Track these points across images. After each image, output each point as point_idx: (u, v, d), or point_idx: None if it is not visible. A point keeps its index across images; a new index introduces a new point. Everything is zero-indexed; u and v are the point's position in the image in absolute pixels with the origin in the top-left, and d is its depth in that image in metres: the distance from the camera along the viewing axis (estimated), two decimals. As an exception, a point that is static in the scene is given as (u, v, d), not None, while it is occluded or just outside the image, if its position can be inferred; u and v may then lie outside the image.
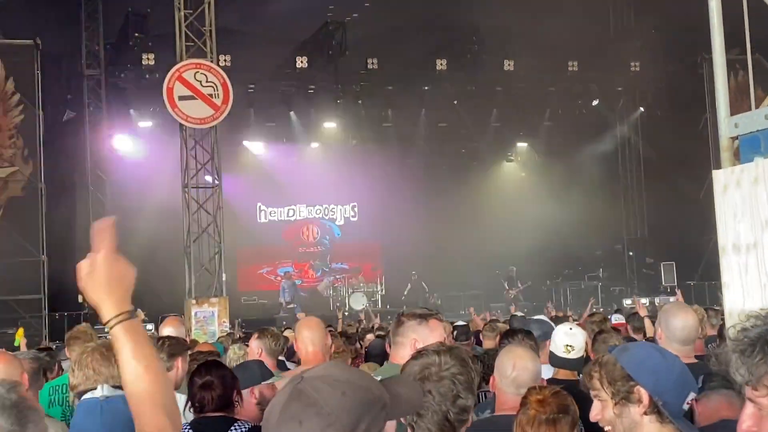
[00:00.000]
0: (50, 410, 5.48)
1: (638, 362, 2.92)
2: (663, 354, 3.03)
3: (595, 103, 28.46)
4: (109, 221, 2.48)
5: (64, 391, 5.60)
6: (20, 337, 10.44)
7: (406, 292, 27.19)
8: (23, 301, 20.24)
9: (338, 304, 26.61)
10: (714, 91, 4.92)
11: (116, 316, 2.33)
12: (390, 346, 4.39)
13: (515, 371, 3.79)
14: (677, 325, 4.64)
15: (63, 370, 7.52)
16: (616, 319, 8.85)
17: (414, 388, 2.08)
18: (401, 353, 3.80)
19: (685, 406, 2.84)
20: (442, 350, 2.86)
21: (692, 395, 2.87)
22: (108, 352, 3.75)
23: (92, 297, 2.37)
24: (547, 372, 5.52)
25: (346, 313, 24.30)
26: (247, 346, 8.85)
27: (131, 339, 2.27)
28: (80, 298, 23.58)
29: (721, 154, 4.82)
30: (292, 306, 24.39)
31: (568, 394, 3.59)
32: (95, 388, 3.71)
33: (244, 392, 4.46)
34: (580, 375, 5.66)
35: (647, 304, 20.93)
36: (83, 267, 2.40)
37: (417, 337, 3.92)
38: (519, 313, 13.55)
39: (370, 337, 10.67)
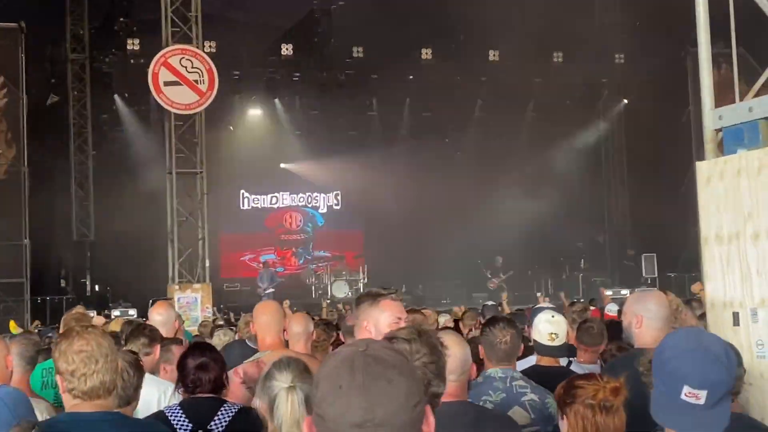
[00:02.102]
0: (43, 392, 5.45)
1: (658, 347, 2.88)
2: (680, 339, 2.89)
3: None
4: None
5: (52, 374, 5.60)
6: (14, 330, 10.41)
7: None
8: (5, 285, 20.16)
9: (320, 292, 26.67)
10: (698, 84, 5.00)
11: None
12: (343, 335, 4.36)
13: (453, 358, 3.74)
14: (651, 312, 4.67)
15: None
16: (609, 310, 8.95)
17: None
18: (359, 338, 3.70)
19: (684, 398, 2.69)
20: (413, 338, 2.88)
21: (687, 388, 2.69)
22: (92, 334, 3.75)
23: None
24: (532, 360, 5.61)
25: (328, 301, 24.38)
26: (232, 330, 8.93)
27: None
28: (62, 282, 23.60)
29: (705, 146, 4.90)
30: (269, 292, 24.42)
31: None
32: None
33: (229, 374, 4.50)
34: (564, 361, 5.77)
35: (628, 295, 21.14)
36: None
37: (368, 321, 3.88)
38: (490, 302, 13.70)
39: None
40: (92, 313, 18.97)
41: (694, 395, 2.69)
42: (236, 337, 7.57)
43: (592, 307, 9.21)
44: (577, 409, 3.38)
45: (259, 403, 3.30)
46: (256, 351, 4.46)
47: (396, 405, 1.73)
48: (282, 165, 29.42)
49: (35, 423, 2.93)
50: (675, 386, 2.72)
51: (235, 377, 4.49)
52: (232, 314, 17.46)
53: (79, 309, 6.97)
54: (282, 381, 3.21)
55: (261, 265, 28.52)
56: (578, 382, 3.49)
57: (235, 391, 4.48)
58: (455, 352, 3.64)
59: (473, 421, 3.68)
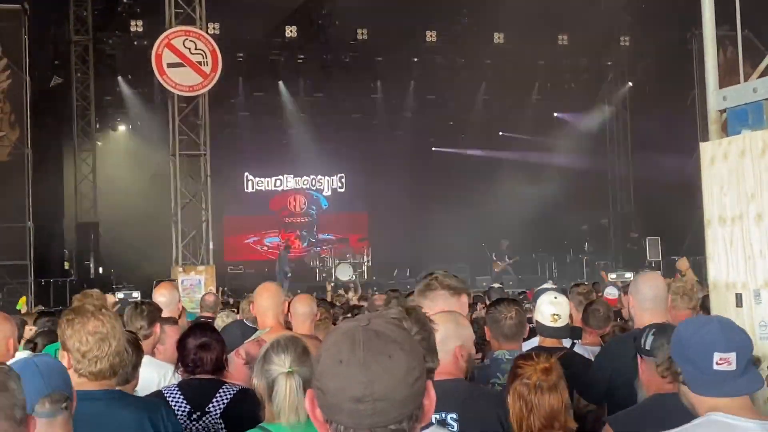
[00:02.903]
0: None
1: (673, 337, 2.97)
2: (691, 322, 3.02)
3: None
4: None
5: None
6: (23, 304, 10.44)
7: (395, 274, 27.21)
8: (9, 267, 20.16)
9: (325, 275, 26.70)
10: (703, 66, 4.97)
11: None
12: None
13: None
14: (646, 291, 4.73)
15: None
16: (609, 293, 8.91)
17: None
18: None
19: (717, 367, 2.77)
20: (403, 317, 2.89)
21: (718, 355, 2.78)
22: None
23: None
24: (535, 341, 5.60)
25: (333, 284, 24.40)
26: (234, 311, 8.93)
27: None
28: (66, 265, 23.62)
29: (709, 127, 4.87)
30: (290, 276, 24.68)
31: (557, 360, 3.66)
32: None
33: (230, 356, 4.48)
34: (567, 342, 5.78)
35: (632, 278, 21.12)
36: None
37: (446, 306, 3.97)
38: (496, 285, 13.72)
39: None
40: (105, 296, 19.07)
41: (725, 360, 2.77)
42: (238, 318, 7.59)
43: (611, 294, 9.19)
44: (515, 388, 3.56)
45: (256, 383, 3.29)
46: (255, 330, 4.44)
47: (396, 380, 1.74)
48: (285, 147, 29.34)
49: (68, 395, 2.94)
50: (706, 359, 2.80)
51: (237, 358, 4.47)
52: (231, 299, 17.44)
53: (93, 292, 6.95)
54: (280, 365, 3.19)
55: (266, 247, 28.65)
56: (519, 362, 3.67)
57: (239, 372, 4.47)
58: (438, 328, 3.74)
59: (466, 400, 3.71)
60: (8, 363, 2.77)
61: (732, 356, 2.76)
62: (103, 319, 3.48)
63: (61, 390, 2.92)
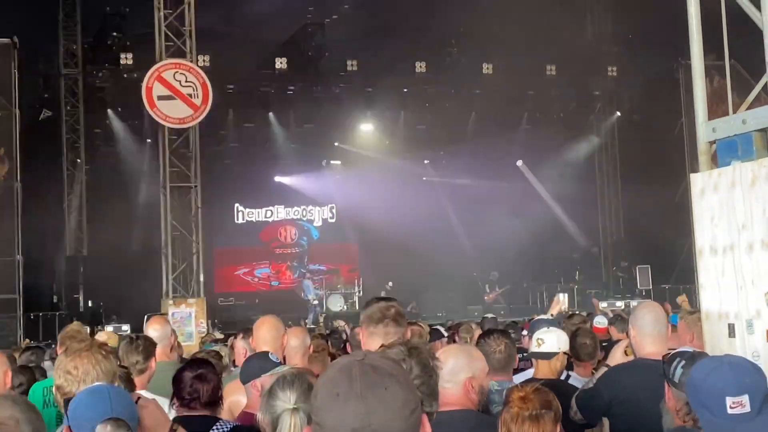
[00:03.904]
0: (44, 411, 5.35)
1: (688, 382, 2.97)
2: (702, 366, 2.98)
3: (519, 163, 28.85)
4: None
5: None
6: None
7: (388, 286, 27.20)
8: (-2, 300, 20.08)
9: (307, 307, 26.62)
10: (690, 96, 5.01)
11: None
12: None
13: (446, 366, 3.73)
14: (647, 320, 4.74)
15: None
16: (598, 322, 8.90)
17: None
18: None
19: (732, 411, 2.76)
20: (403, 358, 2.90)
21: (730, 399, 2.76)
22: (93, 353, 3.75)
23: None
24: (530, 373, 5.61)
25: (324, 315, 24.36)
26: (226, 345, 8.89)
27: None
28: (55, 299, 23.51)
29: (699, 158, 4.90)
30: (315, 303, 24.80)
31: (550, 391, 3.66)
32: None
33: (248, 385, 4.46)
34: (565, 374, 5.79)
35: (622, 307, 21.13)
36: None
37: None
38: (490, 315, 13.68)
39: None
40: (86, 329, 18.94)
41: (738, 403, 2.76)
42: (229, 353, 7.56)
43: (600, 323, 9.17)
44: (503, 417, 3.59)
45: (260, 418, 3.29)
46: (277, 364, 4.41)
47: (392, 412, 1.75)
48: (276, 178, 29.41)
49: (130, 427, 2.98)
50: (719, 404, 2.79)
51: (253, 390, 4.44)
52: (218, 332, 17.33)
53: (74, 326, 6.91)
54: (285, 401, 3.18)
55: (257, 279, 28.63)
56: (509, 390, 3.72)
57: (254, 402, 4.42)
58: (456, 361, 3.80)
59: (473, 427, 3.75)
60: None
61: (745, 398, 2.75)
62: (98, 358, 3.51)
63: (125, 419, 3.00)
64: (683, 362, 3.69)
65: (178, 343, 7.20)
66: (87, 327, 19.24)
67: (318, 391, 1.82)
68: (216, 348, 8.10)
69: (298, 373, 3.40)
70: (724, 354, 3.28)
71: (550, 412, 3.55)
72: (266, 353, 4.63)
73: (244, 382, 4.45)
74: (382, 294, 26.16)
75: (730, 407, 2.76)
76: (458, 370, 3.75)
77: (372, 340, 4.00)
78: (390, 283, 27.12)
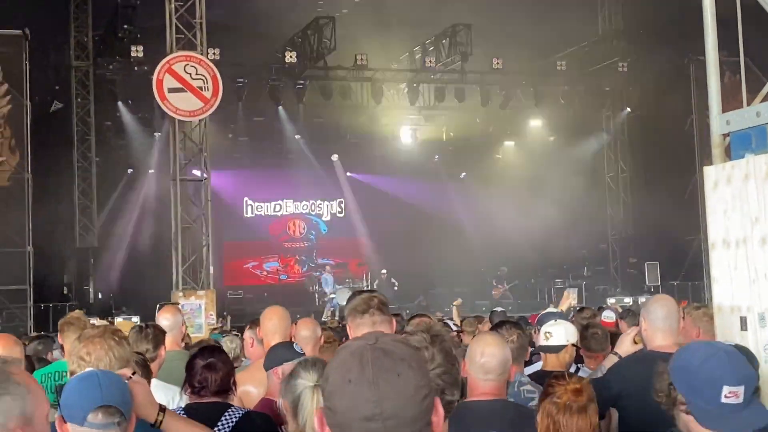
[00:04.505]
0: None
1: (675, 364, 2.91)
2: (696, 350, 2.93)
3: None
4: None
5: (57, 379, 5.55)
6: None
7: (375, 286, 27.27)
8: (8, 291, 20.15)
9: (324, 300, 26.66)
10: (701, 91, 5.01)
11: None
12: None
13: (483, 357, 3.80)
14: (659, 315, 4.72)
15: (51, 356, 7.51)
16: (607, 317, 8.89)
17: None
18: None
19: (725, 400, 2.74)
20: (425, 346, 2.88)
21: (727, 388, 2.74)
22: (105, 339, 3.77)
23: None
24: (539, 365, 5.61)
25: (332, 309, 24.39)
26: (237, 336, 8.91)
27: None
28: (65, 290, 23.60)
29: (712, 151, 4.89)
30: (333, 296, 24.89)
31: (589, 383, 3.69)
32: None
33: (270, 372, 4.49)
34: (573, 367, 5.79)
35: (631, 303, 21.10)
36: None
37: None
38: (499, 309, 13.66)
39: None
40: (94, 320, 18.99)
41: (734, 394, 2.75)
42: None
43: (608, 317, 9.16)
44: (545, 407, 3.57)
45: (281, 401, 3.32)
46: (300, 354, 4.44)
47: (405, 398, 1.75)
48: (285, 172, 29.37)
49: (123, 412, 2.95)
50: (713, 392, 2.77)
51: (274, 376, 4.46)
52: (229, 322, 17.40)
53: (74, 313, 6.92)
54: (307, 380, 3.23)
55: (266, 272, 28.67)
56: (551, 381, 3.67)
57: (274, 388, 4.44)
58: (494, 351, 3.80)
59: (513, 420, 3.78)
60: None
61: (740, 389, 2.74)
62: (111, 344, 3.53)
63: (117, 405, 2.94)
64: None
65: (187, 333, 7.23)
66: (97, 318, 19.37)
67: (329, 375, 1.82)
68: (225, 339, 8.11)
69: (319, 359, 3.46)
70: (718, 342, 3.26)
71: (594, 404, 3.56)
72: (291, 343, 4.67)
73: (268, 367, 4.49)
74: (376, 283, 26.47)
75: (725, 396, 2.74)
76: (507, 363, 3.81)
77: (359, 330, 3.99)
78: (384, 271, 27.19)
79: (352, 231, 30.36)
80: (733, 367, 2.78)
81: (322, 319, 17.36)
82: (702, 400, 2.80)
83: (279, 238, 30.55)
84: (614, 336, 7.40)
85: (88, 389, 2.94)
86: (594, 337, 6.39)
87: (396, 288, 27.06)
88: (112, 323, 14.54)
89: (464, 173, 30.27)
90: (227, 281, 27.65)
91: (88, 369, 3.30)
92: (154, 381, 4.48)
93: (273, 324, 5.29)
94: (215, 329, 10.22)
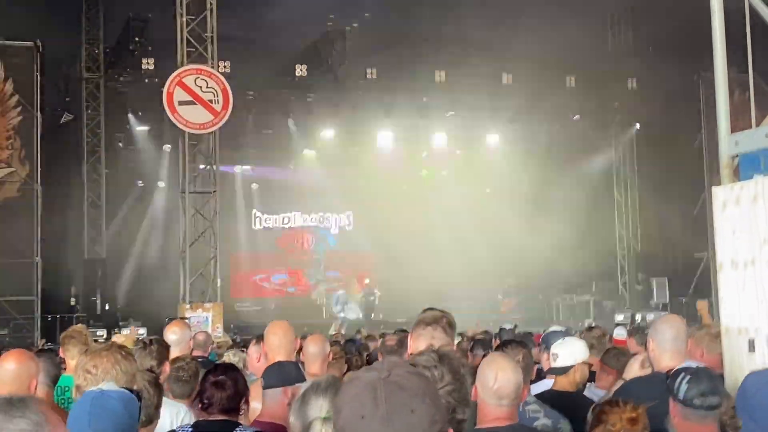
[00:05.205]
0: None
1: (739, 390, 2.99)
2: (757, 376, 3.01)
3: (576, 117, 28.59)
4: None
5: (60, 394, 5.55)
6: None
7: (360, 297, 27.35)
8: (16, 302, 20.20)
9: (333, 313, 26.68)
10: (710, 109, 5.01)
11: None
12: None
13: (497, 383, 3.70)
14: (667, 336, 4.68)
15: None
16: (618, 334, 8.86)
17: None
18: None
19: None
20: (434, 365, 2.86)
21: None
22: (112, 353, 3.78)
23: None
24: (548, 383, 5.58)
25: (340, 323, 24.37)
26: (243, 351, 8.89)
27: None
28: (73, 301, 23.62)
29: (720, 171, 4.88)
30: (342, 315, 24.88)
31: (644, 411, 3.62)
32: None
33: (277, 391, 4.45)
34: (581, 387, 5.76)
35: (639, 319, 21.02)
36: None
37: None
38: (507, 326, 13.55)
39: (374, 345, 10.38)
40: (101, 332, 18.99)
41: None
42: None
43: (620, 335, 9.13)
44: None
45: (292, 422, 3.30)
46: (300, 377, 4.42)
47: None
48: (294, 185, 29.40)
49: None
50: (765, 417, 2.84)
51: (284, 397, 4.43)
52: (238, 336, 17.36)
53: (76, 327, 6.94)
54: (317, 410, 3.18)
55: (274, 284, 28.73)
56: (605, 407, 3.56)
57: (280, 408, 4.38)
58: (509, 377, 3.71)
59: None
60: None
61: None
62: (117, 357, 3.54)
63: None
64: (688, 377, 3.66)
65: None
66: (104, 329, 19.36)
67: (342, 408, 1.78)
68: (229, 353, 8.09)
69: (332, 379, 3.40)
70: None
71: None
72: (293, 363, 4.64)
73: (278, 385, 4.45)
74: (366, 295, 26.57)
75: None
76: (520, 387, 3.72)
77: (418, 341, 3.97)
78: (368, 280, 27.22)
79: (361, 245, 30.35)
80: None
81: (330, 333, 17.32)
82: (756, 424, 2.88)
83: (287, 251, 30.57)
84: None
85: (77, 418, 2.94)
86: (618, 357, 6.33)
87: (373, 298, 27.06)
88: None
89: (473, 187, 30.24)
90: (235, 293, 27.64)
91: (90, 389, 3.30)
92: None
93: (277, 339, 5.27)
94: (219, 346, 10.15)
